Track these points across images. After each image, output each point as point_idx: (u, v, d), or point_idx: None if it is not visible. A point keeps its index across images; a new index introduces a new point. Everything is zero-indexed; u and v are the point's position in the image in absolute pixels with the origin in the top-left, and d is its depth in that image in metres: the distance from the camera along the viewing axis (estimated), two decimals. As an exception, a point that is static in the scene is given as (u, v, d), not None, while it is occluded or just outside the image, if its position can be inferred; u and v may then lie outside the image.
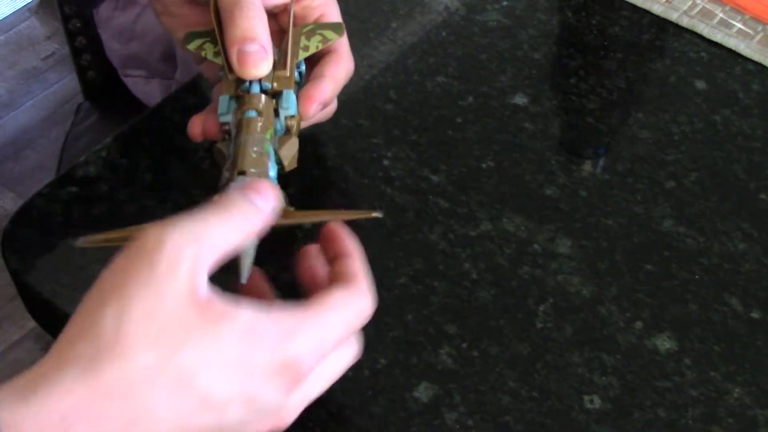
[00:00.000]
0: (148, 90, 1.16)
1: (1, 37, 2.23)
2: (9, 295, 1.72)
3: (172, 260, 0.42)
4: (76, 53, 1.22)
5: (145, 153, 0.69)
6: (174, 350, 0.41)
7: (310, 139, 0.69)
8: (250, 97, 0.58)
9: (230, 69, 0.59)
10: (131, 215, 0.65)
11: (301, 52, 0.62)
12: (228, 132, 0.58)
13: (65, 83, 2.12)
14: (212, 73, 0.66)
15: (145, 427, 0.41)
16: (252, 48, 0.57)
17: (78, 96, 1.30)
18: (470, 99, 0.73)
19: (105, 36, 1.18)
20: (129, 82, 1.18)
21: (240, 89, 0.59)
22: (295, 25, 0.63)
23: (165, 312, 0.41)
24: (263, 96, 0.58)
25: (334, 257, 0.50)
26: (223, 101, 0.59)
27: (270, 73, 0.59)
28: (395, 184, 0.67)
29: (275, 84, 0.59)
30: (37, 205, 0.66)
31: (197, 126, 0.61)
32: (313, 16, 0.65)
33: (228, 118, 0.58)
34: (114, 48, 1.18)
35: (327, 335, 0.45)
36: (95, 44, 1.20)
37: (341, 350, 0.48)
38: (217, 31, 0.60)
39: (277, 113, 0.59)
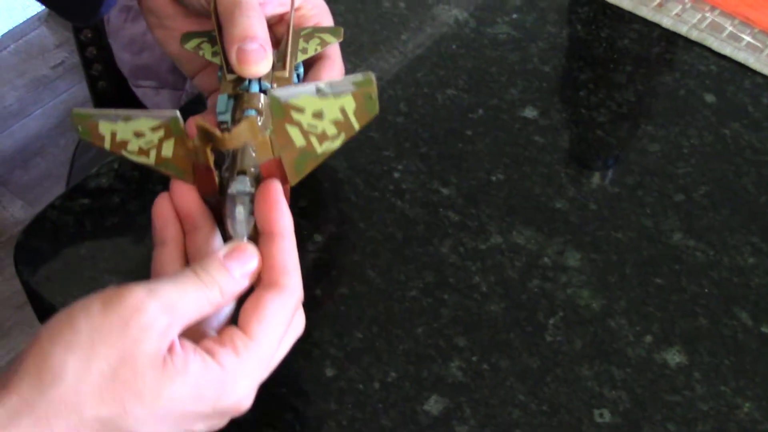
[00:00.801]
0: (158, 100, 1.16)
1: (12, 46, 2.24)
2: (18, 303, 1.73)
3: (146, 327, 0.44)
4: (87, 63, 1.23)
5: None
6: (125, 410, 0.44)
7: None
8: (249, 96, 0.58)
9: (229, 68, 0.59)
10: (143, 227, 0.65)
11: (299, 54, 0.62)
12: (227, 131, 0.58)
13: (74, 92, 2.13)
14: (207, 85, 0.66)
15: None
16: (252, 46, 0.58)
17: (87, 104, 1.31)
18: (480, 112, 0.73)
19: (115, 46, 1.18)
20: (139, 92, 1.19)
21: (239, 88, 0.59)
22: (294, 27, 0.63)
23: (126, 374, 0.43)
24: (262, 95, 0.58)
25: (262, 232, 0.51)
26: (222, 100, 0.59)
27: (269, 73, 0.59)
28: (406, 197, 0.67)
29: (274, 84, 0.59)
30: (49, 217, 0.67)
31: (194, 126, 0.61)
32: (310, 24, 0.66)
33: (226, 117, 0.58)
34: (124, 58, 1.18)
35: (268, 352, 0.48)
36: (106, 55, 1.21)
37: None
38: (216, 30, 0.61)
39: None
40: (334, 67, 0.64)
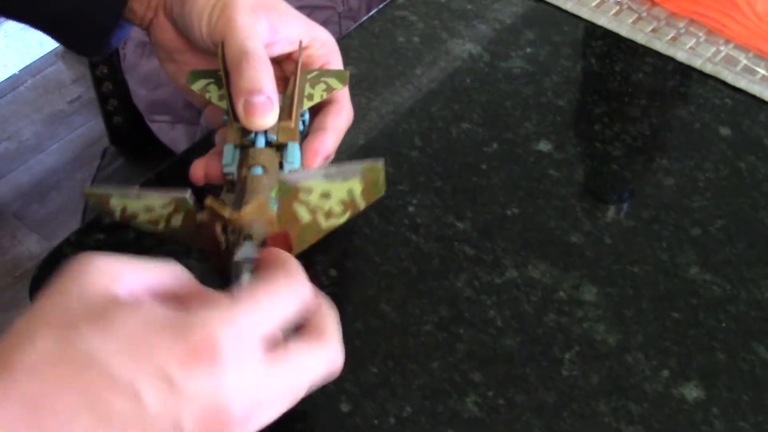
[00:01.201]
0: (174, 135, 1.17)
1: (29, 81, 2.25)
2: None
3: (86, 268, 0.44)
4: (102, 99, 1.24)
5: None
6: (74, 334, 0.41)
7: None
8: (255, 152, 0.58)
9: (236, 118, 0.59)
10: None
11: (305, 101, 0.62)
12: (231, 182, 0.58)
13: (90, 126, 2.14)
14: (216, 117, 0.67)
15: (58, 413, 0.40)
16: (259, 99, 0.58)
17: (103, 139, 1.32)
18: (495, 146, 0.73)
19: (131, 82, 1.19)
20: (154, 127, 1.20)
21: (245, 139, 0.59)
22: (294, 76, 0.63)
23: (67, 303, 0.42)
24: (269, 150, 0.58)
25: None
26: (228, 150, 0.59)
27: (275, 123, 0.59)
28: (420, 231, 0.67)
29: (280, 136, 0.59)
30: (65, 252, 0.67)
31: (200, 170, 0.62)
32: (317, 64, 0.66)
33: (232, 168, 0.59)
34: (140, 94, 1.19)
35: (251, 318, 0.44)
36: (122, 90, 1.22)
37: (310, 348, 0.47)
38: (224, 77, 0.61)
39: (281, 166, 0.59)
40: (341, 112, 0.64)
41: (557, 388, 0.59)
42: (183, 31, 0.65)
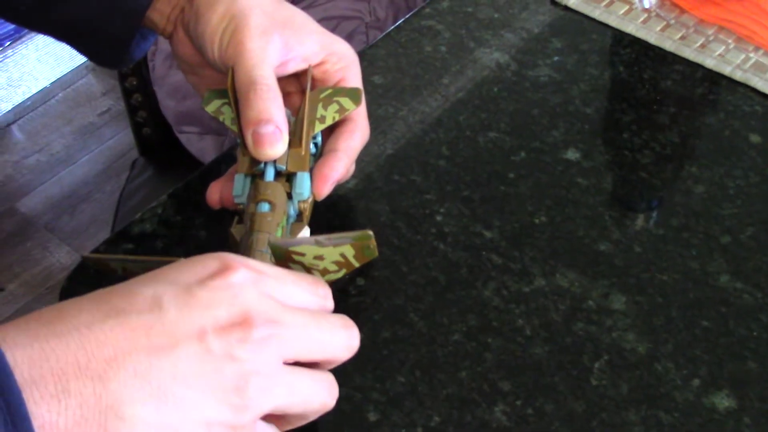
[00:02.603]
0: (202, 146, 1.17)
1: (60, 94, 2.27)
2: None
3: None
4: (131, 110, 1.24)
5: (200, 210, 0.70)
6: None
7: (363, 194, 0.70)
8: (263, 186, 0.58)
9: (245, 147, 0.59)
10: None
11: (317, 123, 0.62)
12: (243, 212, 0.59)
13: (120, 138, 2.16)
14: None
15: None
16: (267, 129, 0.58)
17: (132, 151, 1.33)
18: (522, 154, 0.73)
19: (160, 94, 1.20)
20: (183, 138, 1.20)
21: (255, 169, 0.59)
22: (312, 89, 0.63)
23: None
24: (277, 184, 0.58)
25: None
26: (239, 181, 0.60)
27: (285, 152, 0.59)
28: (448, 240, 0.67)
29: (289, 165, 0.59)
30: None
31: (216, 193, 0.62)
32: (334, 79, 0.65)
33: (243, 199, 0.59)
34: (169, 105, 1.20)
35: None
36: (151, 102, 1.22)
37: (311, 374, 0.49)
38: (233, 104, 0.60)
39: (290, 196, 0.59)
40: (355, 132, 0.64)
41: (586, 398, 0.59)
42: (199, 50, 0.65)
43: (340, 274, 0.57)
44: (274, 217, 0.57)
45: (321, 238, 0.55)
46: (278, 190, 0.58)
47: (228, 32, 0.61)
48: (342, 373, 0.52)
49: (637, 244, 0.67)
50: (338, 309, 0.53)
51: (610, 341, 0.61)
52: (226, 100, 0.63)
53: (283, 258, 0.56)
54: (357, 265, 0.57)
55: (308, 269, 0.56)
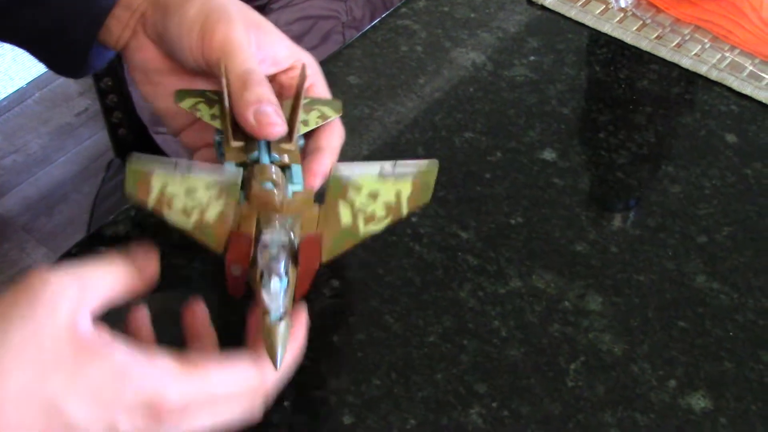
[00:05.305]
0: (177, 148, 1.17)
1: (37, 94, 2.26)
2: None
3: (55, 298, 0.45)
4: (107, 111, 1.23)
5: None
6: (45, 378, 0.44)
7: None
8: (262, 167, 0.57)
9: (236, 135, 0.58)
10: (160, 274, 0.65)
11: (301, 126, 0.62)
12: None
13: (98, 138, 2.14)
14: (193, 142, 0.66)
15: None
16: (269, 108, 0.57)
17: (110, 151, 1.32)
18: (498, 154, 0.73)
19: (136, 94, 1.19)
20: (159, 139, 1.19)
21: (247, 158, 0.58)
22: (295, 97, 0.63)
23: (41, 343, 0.44)
24: (276, 168, 0.58)
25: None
26: (230, 168, 0.59)
27: (276, 144, 0.59)
28: (423, 241, 0.67)
29: (282, 157, 0.59)
30: (67, 264, 0.66)
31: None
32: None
33: None
34: (144, 106, 1.19)
35: (208, 388, 0.48)
36: (126, 102, 1.21)
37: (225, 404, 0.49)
38: (226, 95, 0.59)
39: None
40: (334, 132, 0.64)
41: (562, 399, 0.58)
42: (167, 48, 0.64)
43: (382, 225, 0.55)
44: (280, 196, 0.56)
45: (387, 165, 0.54)
46: (279, 173, 0.58)
47: (209, 24, 0.60)
48: (316, 375, 0.51)
49: (614, 245, 0.67)
50: (313, 311, 0.53)
51: (587, 342, 0.61)
52: (201, 99, 0.62)
53: (338, 194, 0.55)
54: (405, 212, 0.55)
55: (354, 216, 0.55)
